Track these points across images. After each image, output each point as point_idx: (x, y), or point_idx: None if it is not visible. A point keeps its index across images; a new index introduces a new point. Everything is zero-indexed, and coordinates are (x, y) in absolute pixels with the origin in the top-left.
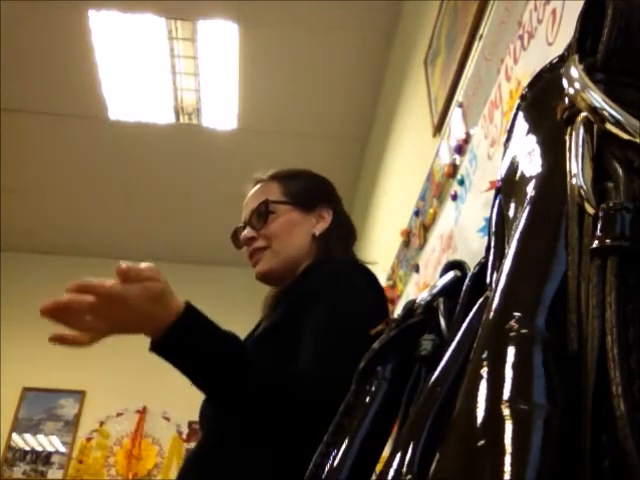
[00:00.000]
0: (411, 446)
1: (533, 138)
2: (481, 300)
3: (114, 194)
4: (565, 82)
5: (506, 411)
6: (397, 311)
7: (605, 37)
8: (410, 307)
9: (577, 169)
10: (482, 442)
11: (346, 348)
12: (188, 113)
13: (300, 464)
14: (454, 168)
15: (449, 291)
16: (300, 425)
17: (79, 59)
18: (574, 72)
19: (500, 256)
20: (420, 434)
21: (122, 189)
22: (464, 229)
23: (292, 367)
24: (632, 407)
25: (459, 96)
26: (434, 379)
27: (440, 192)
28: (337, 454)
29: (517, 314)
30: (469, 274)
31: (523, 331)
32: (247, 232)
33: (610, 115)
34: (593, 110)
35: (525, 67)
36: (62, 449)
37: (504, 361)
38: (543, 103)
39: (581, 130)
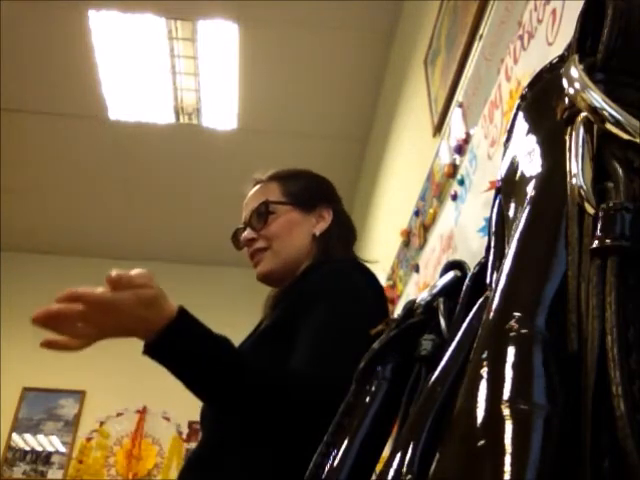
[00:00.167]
0: (411, 446)
1: (533, 138)
2: (481, 300)
3: (114, 194)
4: (565, 82)
5: (506, 411)
6: (397, 311)
7: (605, 37)
8: (410, 307)
9: (577, 169)
10: (482, 442)
11: (346, 348)
12: (188, 113)
13: (300, 464)
14: (454, 168)
15: (449, 291)
16: (300, 425)
17: (79, 59)
18: (574, 72)
19: (500, 256)
20: (420, 434)
21: (122, 189)
22: (464, 229)
23: (290, 367)
24: (632, 407)
25: (459, 96)
26: (434, 379)
27: (440, 192)
28: (337, 454)
29: (517, 314)
30: (469, 274)
31: (523, 331)
32: (247, 233)
33: (610, 115)
34: (593, 110)
35: (525, 67)
36: (62, 449)
37: (504, 361)
38: (543, 103)
39: (581, 130)
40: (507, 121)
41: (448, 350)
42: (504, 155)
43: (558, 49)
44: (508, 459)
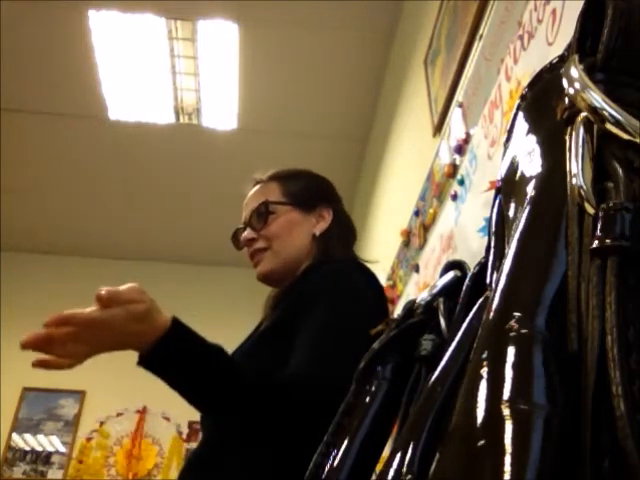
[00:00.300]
0: (411, 446)
1: (533, 138)
2: (481, 300)
3: (114, 194)
4: (565, 82)
5: (506, 411)
6: (397, 311)
7: (605, 37)
8: (410, 307)
9: (577, 169)
10: (482, 442)
11: (345, 348)
12: (188, 113)
13: (300, 464)
14: (454, 168)
15: (449, 291)
16: (300, 425)
17: (79, 59)
18: (574, 72)
19: (500, 256)
20: (420, 434)
21: (122, 189)
22: (464, 229)
23: (289, 369)
24: (632, 407)
25: (459, 96)
26: (434, 379)
27: (440, 192)
28: (337, 454)
29: (517, 314)
30: (469, 274)
31: (523, 331)
32: (247, 233)
33: (610, 115)
34: (593, 110)
35: (525, 67)
36: (62, 449)
37: (504, 361)
38: (543, 103)
39: (581, 130)
40: (507, 121)
41: (448, 350)
42: (504, 155)
43: (558, 49)
44: (508, 459)
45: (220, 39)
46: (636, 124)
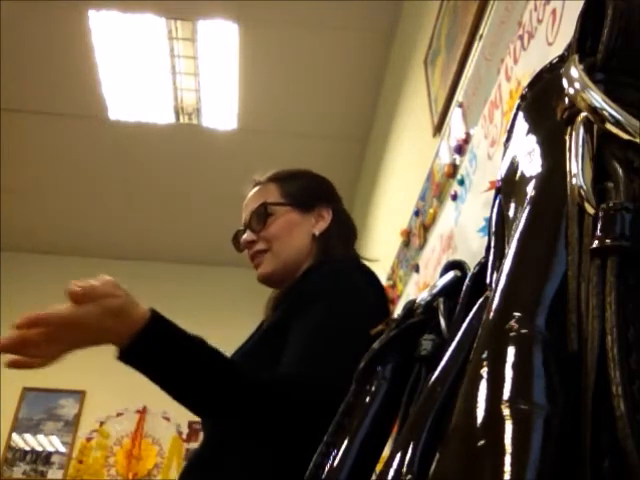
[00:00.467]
0: (411, 446)
1: (533, 138)
2: (481, 300)
3: (114, 194)
4: (565, 82)
5: (506, 411)
6: (397, 311)
7: (605, 37)
8: (410, 307)
9: (577, 169)
10: (482, 442)
11: (341, 348)
12: (188, 113)
13: (300, 464)
14: (454, 168)
15: (449, 291)
16: (300, 425)
17: (79, 59)
18: (574, 72)
19: (500, 256)
20: (420, 434)
21: (122, 189)
22: (464, 229)
23: (280, 367)
24: (632, 407)
25: (459, 96)
26: (434, 379)
27: (440, 192)
28: (337, 454)
29: (517, 314)
30: (469, 274)
31: (523, 331)
32: (247, 236)
33: (610, 115)
34: (593, 110)
35: (525, 67)
36: (62, 449)
37: (504, 361)
38: (543, 103)
39: (581, 130)
40: (507, 121)
41: (448, 350)
42: (504, 155)
43: (558, 49)
44: (508, 459)
45: (220, 39)
46: (636, 124)
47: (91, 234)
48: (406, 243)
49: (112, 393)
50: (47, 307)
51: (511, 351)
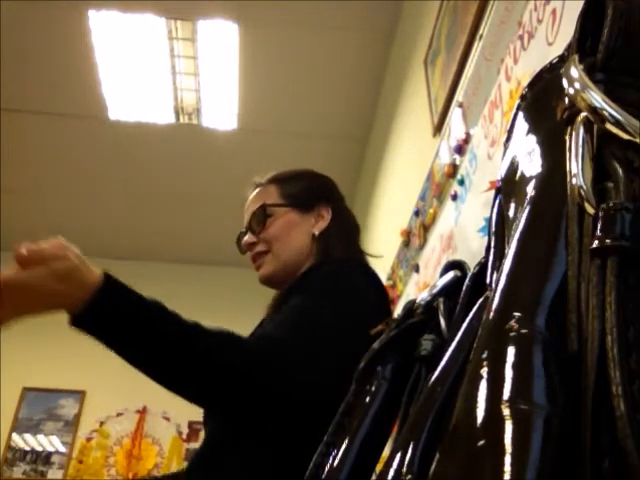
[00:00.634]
0: (411, 446)
1: (533, 138)
2: (481, 300)
3: (114, 194)
4: (565, 82)
5: (506, 411)
6: (397, 311)
7: (605, 37)
8: (410, 307)
9: (577, 169)
10: (482, 442)
11: (340, 347)
12: (188, 113)
13: (300, 464)
14: (454, 168)
15: (449, 291)
16: (299, 425)
17: (79, 59)
18: (574, 72)
19: (500, 256)
20: (420, 434)
21: (122, 189)
22: (464, 229)
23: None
24: (632, 407)
25: (459, 96)
26: (434, 379)
27: (440, 192)
28: (337, 454)
29: (517, 314)
30: (469, 274)
31: (523, 331)
32: (248, 238)
33: (610, 115)
34: (593, 110)
35: (525, 67)
36: (62, 449)
37: (504, 361)
38: (543, 103)
39: (581, 130)
40: (507, 121)
41: (448, 350)
42: (504, 155)
43: (558, 49)
44: (508, 459)
45: (220, 39)
46: (636, 124)
47: (91, 234)
48: (406, 243)
49: (112, 393)
50: None
51: (511, 351)
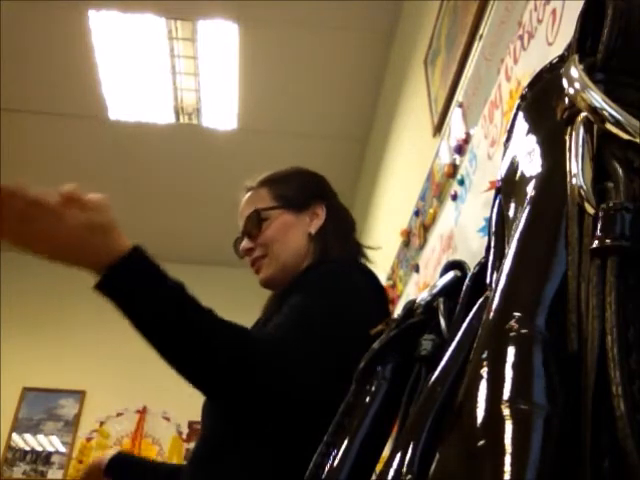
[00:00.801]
0: (411, 446)
1: (533, 138)
2: (481, 300)
3: (114, 194)
4: (565, 82)
5: (506, 411)
6: (397, 311)
7: (605, 37)
8: (410, 307)
9: (577, 169)
10: (482, 442)
11: (338, 347)
12: (188, 113)
13: (300, 464)
14: (454, 168)
15: (449, 291)
16: (299, 425)
17: (79, 59)
18: (574, 72)
19: (500, 256)
20: (420, 434)
21: (122, 189)
22: (464, 229)
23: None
24: (632, 407)
25: (459, 96)
26: (434, 379)
27: (440, 192)
28: (337, 454)
29: (517, 314)
30: (469, 274)
31: (523, 331)
32: (245, 244)
33: (610, 115)
34: (593, 110)
35: (525, 67)
36: (62, 449)
37: (504, 361)
38: (543, 103)
39: (581, 130)
40: (507, 121)
41: (448, 350)
42: (504, 155)
43: (558, 49)
44: (508, 459)
45: (220, 39)
46: (636, 124)
47: None
48: (406, 243)
49: (112, 393)
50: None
51: (511, 351)
